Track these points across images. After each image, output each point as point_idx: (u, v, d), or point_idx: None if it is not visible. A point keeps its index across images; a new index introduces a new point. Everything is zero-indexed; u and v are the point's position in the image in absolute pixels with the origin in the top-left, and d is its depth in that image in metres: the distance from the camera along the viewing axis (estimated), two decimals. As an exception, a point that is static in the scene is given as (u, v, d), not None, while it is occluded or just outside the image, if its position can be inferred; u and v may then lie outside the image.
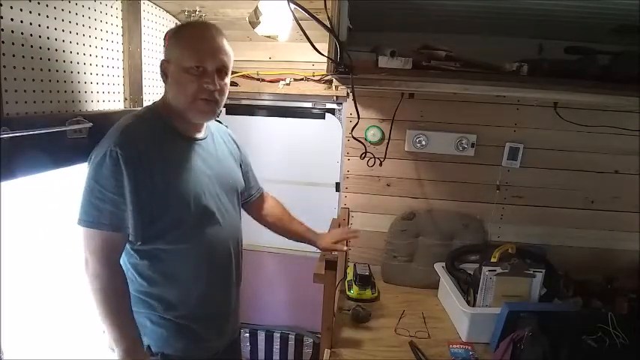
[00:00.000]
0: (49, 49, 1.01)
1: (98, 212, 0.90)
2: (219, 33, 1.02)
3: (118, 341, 0.93)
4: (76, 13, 1.09)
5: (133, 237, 0.94)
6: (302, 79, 1.77)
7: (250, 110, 1.94)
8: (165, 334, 1.03)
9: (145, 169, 0.92)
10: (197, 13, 1.52)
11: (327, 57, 1.01)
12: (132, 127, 0.95)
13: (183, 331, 1.05)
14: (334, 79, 1.57)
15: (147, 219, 0.95)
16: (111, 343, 0.94)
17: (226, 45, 1.02)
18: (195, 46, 0.97)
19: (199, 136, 1.09)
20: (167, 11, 1.54)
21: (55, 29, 1.02)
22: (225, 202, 1.12)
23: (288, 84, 1.77)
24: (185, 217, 1.00)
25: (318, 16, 0.93)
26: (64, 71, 1.07)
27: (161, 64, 1.02)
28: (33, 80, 0.97)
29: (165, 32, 1.54)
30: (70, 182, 1.13)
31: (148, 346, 1.02)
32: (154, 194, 0.94)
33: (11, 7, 0.89)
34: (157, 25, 1.49)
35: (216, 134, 1.18)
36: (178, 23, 1.60)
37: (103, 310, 0.92)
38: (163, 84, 1.04)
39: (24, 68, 0.94)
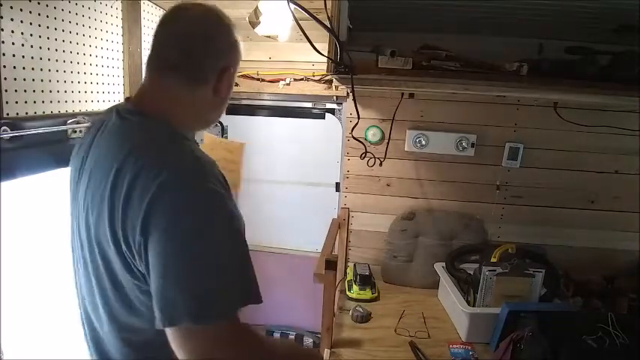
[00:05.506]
0: (49, 49, 1.01)
1: None
2: None
3: None
4: (76, 13, 1.09)
5: None
6: (302, 79, 1.77)
7: (250, 110, 1.95)
8: None
9: None
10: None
11: (327, 57, 1.01)
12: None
13: None
14: (334, 79, 1.57)
15: None
16: None
17: None
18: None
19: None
20: (167, 11, 1.54)
21: (55, 29, 1.02)
22: None
23: (288, 84, 1.77)
24: None
25: (318, 16, 0.93)
26: (64, 71, 1.07)
27: (223, 72, 0.77)
28: (33, 80, 0.97)
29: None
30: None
31: None
32: None
33: (11, 7, 0.89)
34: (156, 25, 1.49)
35: None
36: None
37: None
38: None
39: (24, 68, 0.94)
